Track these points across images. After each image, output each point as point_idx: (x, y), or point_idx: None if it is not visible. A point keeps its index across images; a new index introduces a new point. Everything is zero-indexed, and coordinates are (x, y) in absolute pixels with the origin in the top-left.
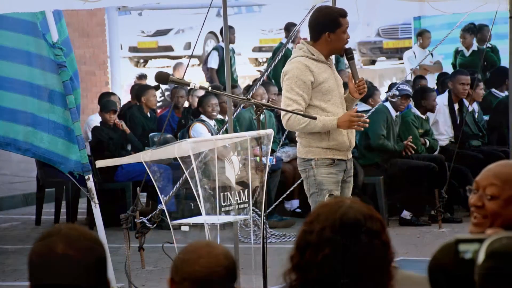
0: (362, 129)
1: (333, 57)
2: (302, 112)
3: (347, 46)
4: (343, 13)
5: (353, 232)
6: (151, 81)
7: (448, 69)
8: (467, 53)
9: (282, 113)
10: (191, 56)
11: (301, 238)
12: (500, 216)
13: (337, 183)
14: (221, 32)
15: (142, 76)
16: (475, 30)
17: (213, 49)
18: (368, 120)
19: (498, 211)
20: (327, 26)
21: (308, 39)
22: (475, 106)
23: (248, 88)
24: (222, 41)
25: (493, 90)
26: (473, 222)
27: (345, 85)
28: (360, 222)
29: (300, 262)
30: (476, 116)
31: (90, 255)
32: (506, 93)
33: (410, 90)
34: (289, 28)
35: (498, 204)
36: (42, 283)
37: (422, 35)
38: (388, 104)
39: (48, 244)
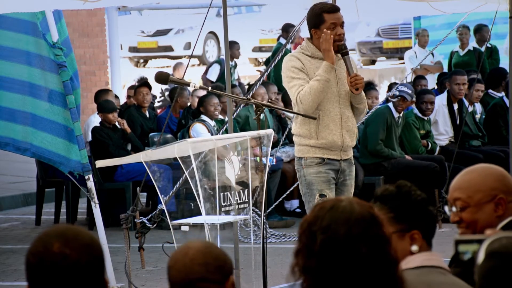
0: (330, 37)
1: None
2: (308, 88)
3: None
4: (328, 9)
5: (375, 227)
6: (151, 82)
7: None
8: (461, 53)
9: (293, 101)
10: (191, 56)
11: (314, 245)
12: (478, 222)
13: (328, 182)
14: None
15: (142, 80)
16: (475, 31)
17: (216, 61)
18: (329, 32)
19: (473, 218)
20: (312, 23)
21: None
22: (478, 107)
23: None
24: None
25: (490, 91)
26: (460, 234)
27: None
28: (373, 215)
29: (320, 268)
30: (478, 116)
31: (87, 254)
32: (502, 93)
33: (409, 91)
34: (286, 29)
35: (471, 212)
36: (40, 283)
37: (419, 34)
38: (390, 105)
39: (45, 243)
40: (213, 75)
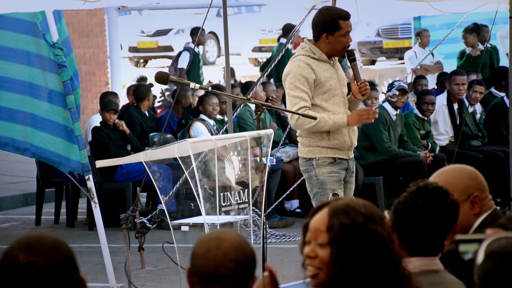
0: (373, 120)
1: None
2: (308, 109)
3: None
4: (344, 16)
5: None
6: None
7: (449, 69)
8: (475, 54)
9: (289, 114)
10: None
11: (343, 236)
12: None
13: (340, 181)
14: (191, 33)
15: (142, 79)
16: (476, 30)
17: (184, 49)
18: (377, 111)
19: None
20: (326, 27)
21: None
22: (478, 107)
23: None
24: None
25: (493, 90)
26: None
27: (348, 86)
28: (374, 211)
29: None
30: (478, 116)
31: (54, 258)
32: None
33: (402, 84)
34: (286, 29)
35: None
36: None
37: (421, 34)
38: (386, 104)
39: (10, 257)
40: (184, 63)
